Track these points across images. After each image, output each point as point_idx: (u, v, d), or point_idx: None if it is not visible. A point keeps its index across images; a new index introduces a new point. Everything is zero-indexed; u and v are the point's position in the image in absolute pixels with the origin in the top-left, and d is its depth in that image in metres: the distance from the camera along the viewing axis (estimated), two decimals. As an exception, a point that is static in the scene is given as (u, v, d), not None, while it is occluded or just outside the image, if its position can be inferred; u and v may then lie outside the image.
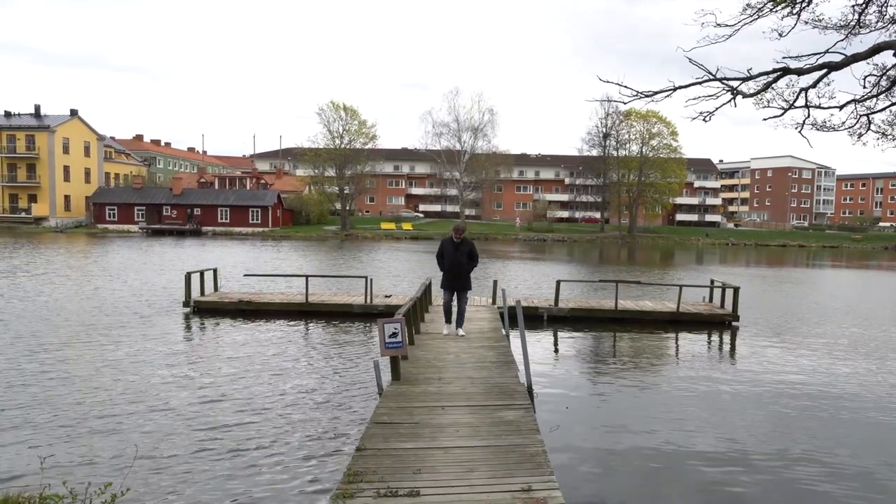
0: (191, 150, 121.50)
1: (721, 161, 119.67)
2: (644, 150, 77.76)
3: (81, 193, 73.89)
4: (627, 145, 79.95)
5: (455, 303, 11.58)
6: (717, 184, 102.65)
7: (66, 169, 72.13)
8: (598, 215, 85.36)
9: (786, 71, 9.85)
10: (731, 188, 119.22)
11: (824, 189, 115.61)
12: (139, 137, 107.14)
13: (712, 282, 19.39)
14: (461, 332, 11.38)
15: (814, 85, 9.84)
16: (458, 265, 11.16)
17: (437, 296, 13.96)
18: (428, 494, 4.97)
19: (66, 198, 72.17)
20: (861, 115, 10.03)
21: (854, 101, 9.92)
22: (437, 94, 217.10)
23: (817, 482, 7.11)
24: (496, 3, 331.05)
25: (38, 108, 73.55)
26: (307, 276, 17.90)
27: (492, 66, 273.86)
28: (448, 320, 11.72)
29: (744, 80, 9.95)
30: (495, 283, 17.23)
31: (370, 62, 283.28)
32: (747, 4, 9.86)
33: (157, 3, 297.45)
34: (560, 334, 15.38)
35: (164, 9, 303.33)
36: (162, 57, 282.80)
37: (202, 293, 17.59)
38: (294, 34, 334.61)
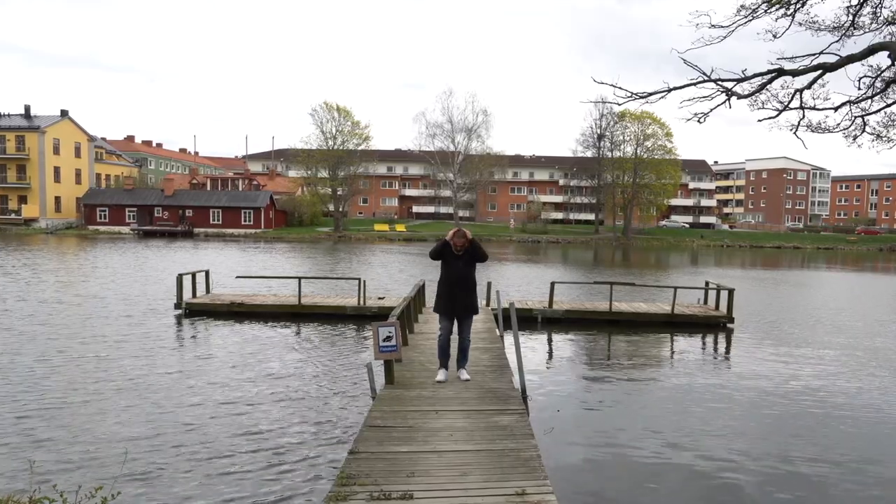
0: (183, 150, 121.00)
1: (716, 162, 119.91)
2: (638, 151, 77.86)
3: (72, 194, 73.41)
4: (622, 146, 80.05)
5: (455, 334, 8.51)
6: (711, 185, 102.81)
7: (57, 170, 71.67)
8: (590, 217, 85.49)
9: (780, 72, 9.84)
10: (726, 189, 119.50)
11: (819, 190, 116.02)
12: (130, 138, 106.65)
13: (707, 283, 19.40)
14: (465, 374, 8.48)
15: (808, 86, 9.84)
16: (463, 279, 8.24)
17: (433, 298, 11.09)
18: (421, 498, 4.92)
19: (57, 199, 71.69)
20: (856, 117, 10.03)
21: (849, 102, 9.92)
22: (433, 93, 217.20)
23: (812, 485, 7.07)
24: (492, 2, 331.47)
25: (28, 108, 73.04)
26: (300, 278, 17.77)
27: (487, 67, 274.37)
28: (444, 364, 8.49)
29: (738, 81, 9.94)
30: (489, 284, 17.18)
31: (366, 62, 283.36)
32: (742, 6, 9.86)
33: (149, 2, 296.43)
34: (554, 336, 15.33)
35: (156, 8, 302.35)
36: (154, 57, 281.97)
37: (194, 295, 17.45)
38: (288, 34, 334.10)
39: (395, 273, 30.46)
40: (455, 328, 8.44)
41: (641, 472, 7.30)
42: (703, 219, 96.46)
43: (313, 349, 13.18)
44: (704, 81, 9.83)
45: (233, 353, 12.42)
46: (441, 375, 8.39)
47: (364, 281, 17.53)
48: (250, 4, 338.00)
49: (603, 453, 7.77)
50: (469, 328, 8.48)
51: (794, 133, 10.36)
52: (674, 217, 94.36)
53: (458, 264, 8.23)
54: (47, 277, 24.76)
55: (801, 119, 10.27)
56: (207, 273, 18.98)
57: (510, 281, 27.31)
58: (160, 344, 13.10)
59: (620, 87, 9.93)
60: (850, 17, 9.88)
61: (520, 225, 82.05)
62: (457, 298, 8.25)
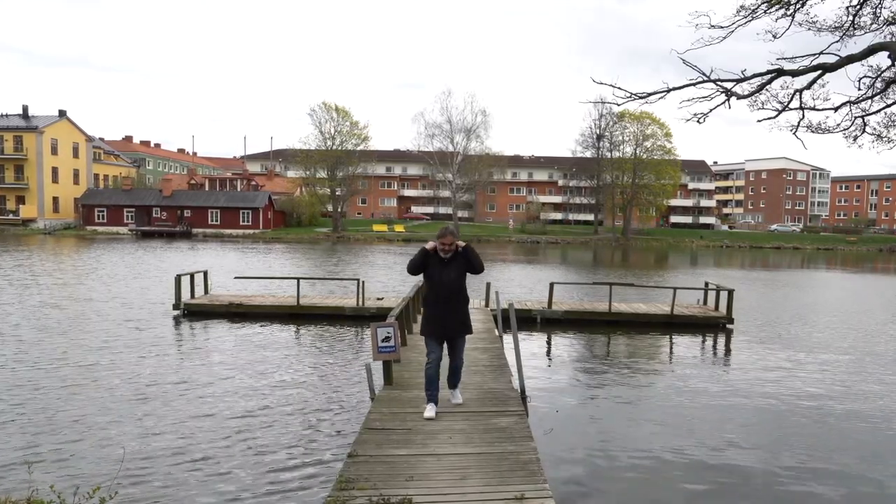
0: (181, 151, 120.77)
1: (715, 162, 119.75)
2: (638, 151, 77.83)
3: (70, 195, 73.27)
4: (621, 147, 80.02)
5: (446, 357, 7.21)
6: (711, 185, 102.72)
7: (55, 170, 71.54)
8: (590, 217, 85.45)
9: (780, 72, 9.81)
10: (726, 190, 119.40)
11: (819, 191, 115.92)
12: (128, 138, 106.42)
13: (706, 284, 19.36)
14: (458, 396, 7.40)
15: (808, 86, 9.80)
16: (451, 288, 6.91)
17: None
18: (420, 502, 4.87)
19: (55, 199, 71.55)
20: (856, 117, 10.00)
21: (849, 102, 9.88)
22: (432, 93, 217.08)
23: (811, 488, 7.04)
24: (492, 2, 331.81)
25: (25, 108, 72.88)
26: (298, 279, 17.72)
27: (486, 67, 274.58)
28: (433, 398, 7.03)
29: (738, 81, 9.91)
30: (488, 284, 17.15)
31: (365, 63, 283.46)
32: (741, 6, 9.83)
33: (148, 2, 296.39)
34: (554, 337, 15.30)
35: (154, 8, 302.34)
36: (152, 57, 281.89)
37: (192, 296, 17.40)
38: (287, 35, 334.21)
39: (395, 274, 30.41)
40: (447, 351, 7.20)
41: (640, 474, 7.26)
42: (703, 219, 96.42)
43: (312, 350, 13.14)
44: (704, 82, 9.80)
45: (231, 354, 12.38)
46: (429, 412, 6.93)
47: (363, 281, 17.48)
48: (248, 4, 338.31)
49: (602, 455, 7.73)
50: (462, 350, 7.23)
51: (794, 133, 10.33)
52: (777, 223, 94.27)
53: (448, 272, 6.87)
54: (44, 279, 24.68)
55: (800, 119, 10.24)
56: (206, 274, 18.92)
57: (509, 281, 27.27)
58: (158, 345, 13.05)
59: (620, 88, 9.90)
60: (850, 18, 9.85)
61: (519, 225, 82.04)
62: (448, 310, 6.91)
